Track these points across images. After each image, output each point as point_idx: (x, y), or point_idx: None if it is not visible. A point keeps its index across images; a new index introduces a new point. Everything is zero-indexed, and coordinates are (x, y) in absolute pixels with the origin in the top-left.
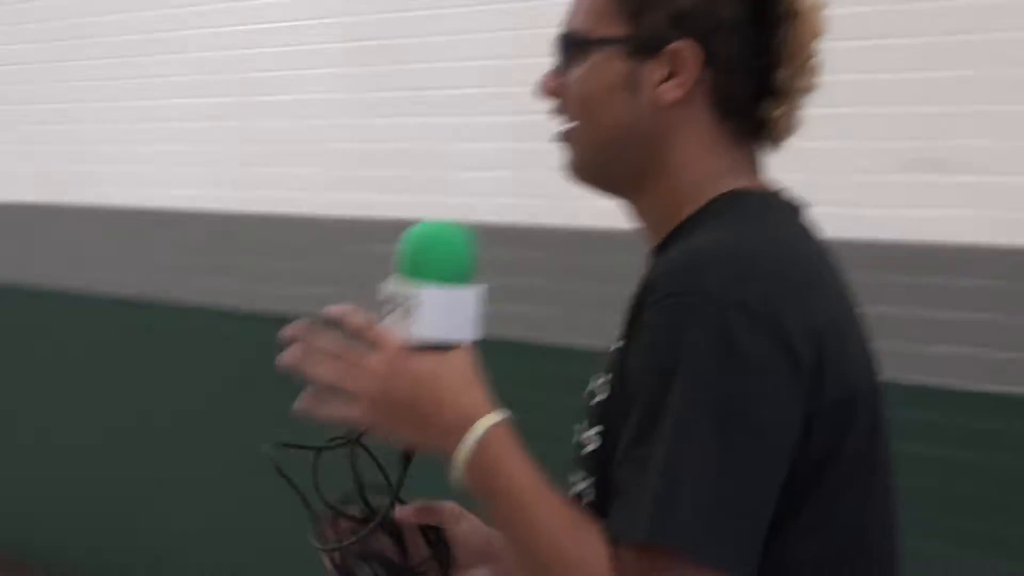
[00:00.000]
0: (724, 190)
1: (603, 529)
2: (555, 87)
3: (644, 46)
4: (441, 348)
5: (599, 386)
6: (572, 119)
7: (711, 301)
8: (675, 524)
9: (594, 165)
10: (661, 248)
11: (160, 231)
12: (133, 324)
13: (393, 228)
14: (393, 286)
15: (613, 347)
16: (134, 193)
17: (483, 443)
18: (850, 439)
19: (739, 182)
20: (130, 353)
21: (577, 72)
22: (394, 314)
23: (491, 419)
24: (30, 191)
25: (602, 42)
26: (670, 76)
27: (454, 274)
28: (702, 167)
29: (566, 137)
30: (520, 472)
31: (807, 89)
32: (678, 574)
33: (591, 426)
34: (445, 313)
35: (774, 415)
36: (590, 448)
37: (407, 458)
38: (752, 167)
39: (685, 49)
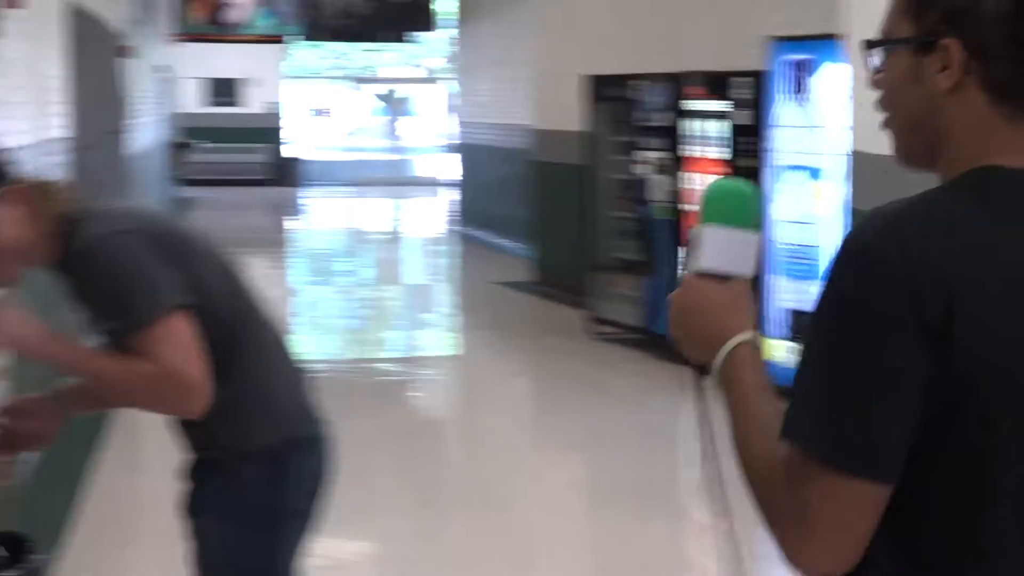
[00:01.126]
0: (984, 164)
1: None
2: (875, 84)
3: (923, 43)
4: (722, 278)
5: None
6: (885, 111)
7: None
8: (799, 428)
9: (904, 148)
10: None
11: None
12: None
13: None
14: (693, 231)
15: None
16: None
17: (730, 357)
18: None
19: (1007, 159)
20: None
21: (884, 70)
22: (692, 250)
23: (739, 338)
24: None
25: (895, 42)
26: (943, 68)
27: (734, 219)
28: (977, 146)
29: (886, 125)
30: (739, 382)
31: None
32: (808, 468)
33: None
34: (723, 249)
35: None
36: None
37: (700, 372)
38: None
39: (952, 44)
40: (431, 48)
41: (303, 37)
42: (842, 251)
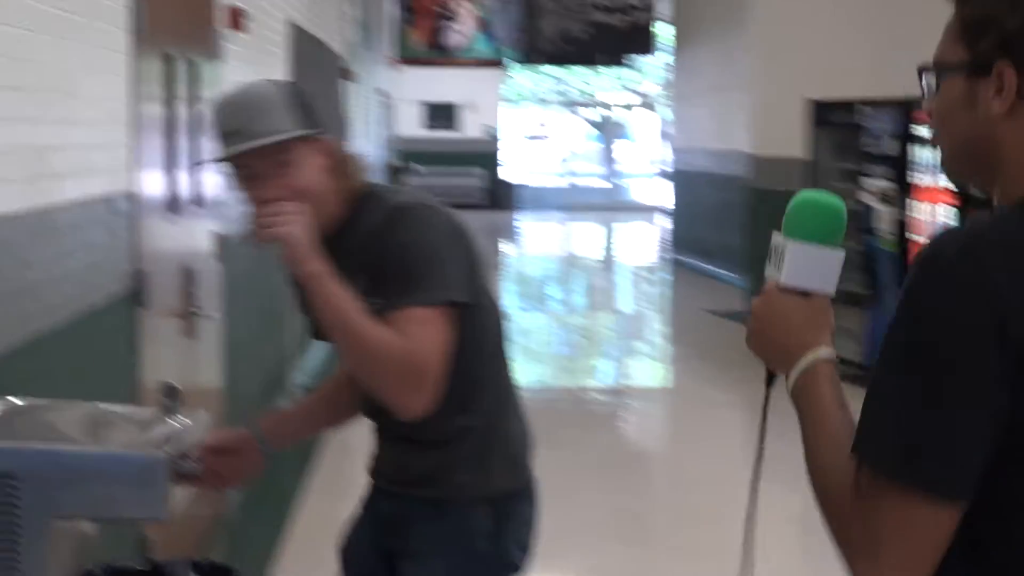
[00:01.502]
0: None
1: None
2: (929, 107)
3: (978, 68)
4: (804, 294)
5: None
6: (937, 131)
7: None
8: (872, 446)
9: (955, 166)
10: None
11: None
12: None
13: None
14: (776, 239)
15: None
16: None
17: (806, 372)
18: None
19: None
20: None
21: (939, 93)
22: (773, 260)
23: (818, 353)
24: None
25: (950, 67)
26: (998, 92)
27: (819, 235)
28: None
29: (934, 143)
30: (816, 402)
31: None
32: (879, 487)
33: None
34: (807, 266)
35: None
36: None
37: (770, 377)
38: None
39: (1006, 68)
40: (647, 73)
41: (521, 61)
42: (922, 271)
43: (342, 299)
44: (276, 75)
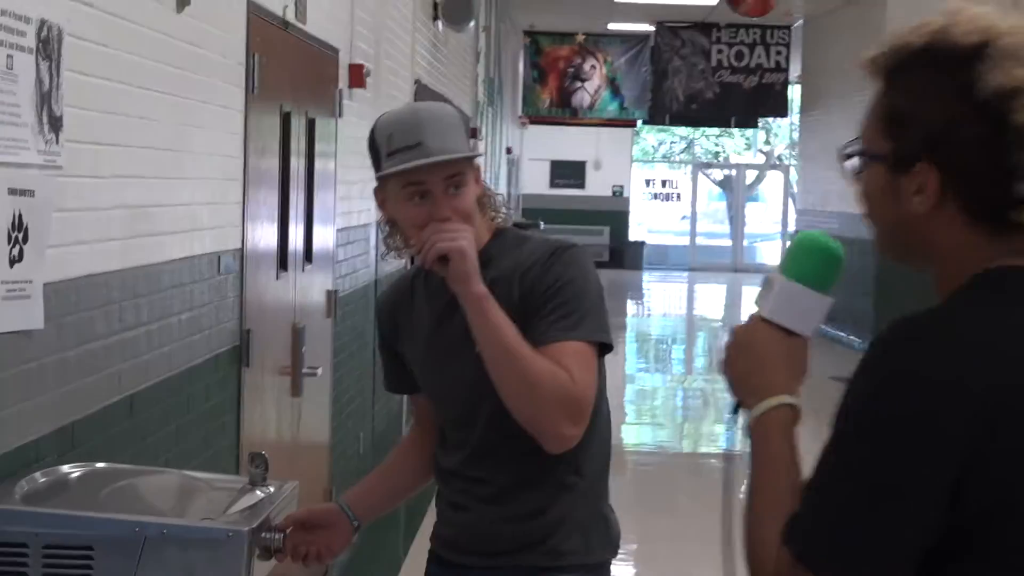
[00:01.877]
0: (989, 267)
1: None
2: (855, 187)
3: (900, 163)
4: (787, 332)
5: None
6: (866, 212)
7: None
8: (796, 531)
9: (886, 247)
10: None
11: None
12: None
13: None
14: (773, 273)
15: None
16: None
17: (765, 415)
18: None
19: (1005, 262)
20: None
21: (864, 176)
22: (764, 293)
23: (782, 399)
24: None
25: (873, 156)
26: (919, 191)
27: (813, 279)
28: (963, 257)
29: (866, 221)
30: (770, 451)
31: None
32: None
33: None
34: (793, 305)
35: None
36: None
37: (736, 408)
38: (1019, 248)
39: (927, 168)
40: (777, 134)
41: (648, 122)
42: (878, 368)
43: (506, 323)
44: None
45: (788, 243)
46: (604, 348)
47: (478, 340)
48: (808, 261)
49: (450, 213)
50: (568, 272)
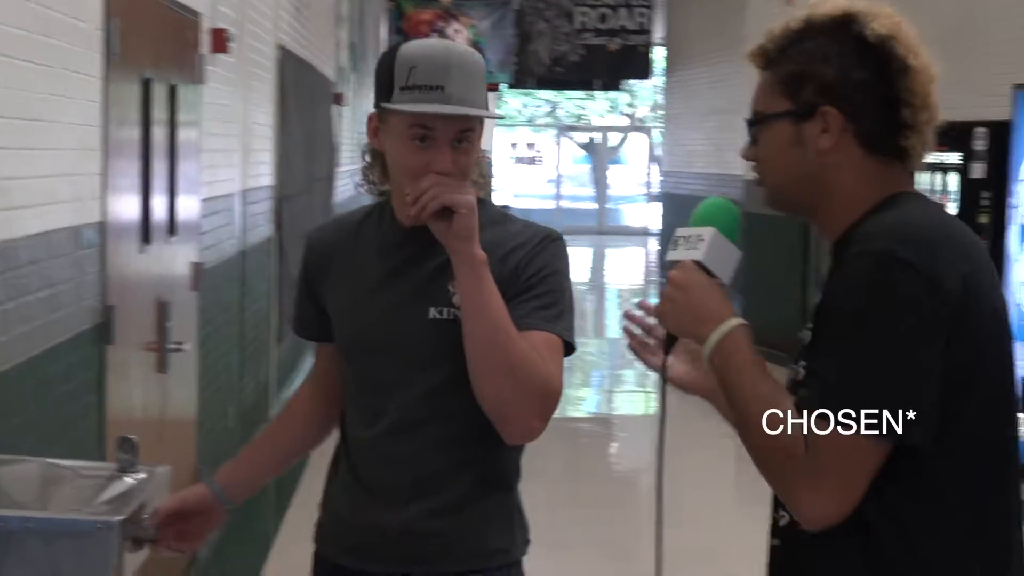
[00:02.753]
0: (887, 195)
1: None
2: (750, 154)
3: (803, 113)
4: (710, 275)
5: (804, 334)
6: (762, 172)
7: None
8: (843, 402)
9: (782, 200)
10: (841, 241)
11: None
12: None
13: None
14: (685, 230)
15: (815, 304)
16: None
17: (727, 336)
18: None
19: (897, 188)
20: None
21: (761, 140)
22: (683, 246)
23: (737, 322)
24: None
25: (775, 116)
26: (823, 131)
27: (728, 231)
28: (861, 187)
29: (759, 183)
30: (744, 364)
31: (929, 122)
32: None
33: (797, 362)
34: (720, 253)
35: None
36: (800, 377)
37: (672, 339)
38: (904, 181)
39: (830, 110)
40: (639, 96)
41: (513, 84)
42: (886, 265)
43: (496, 296)
44: (262, 99)
45: (697, 206)
46: (568, 350)
47: (467, 307)
48: (724, 219)
49: (451, 167)
50: (555, 263)
